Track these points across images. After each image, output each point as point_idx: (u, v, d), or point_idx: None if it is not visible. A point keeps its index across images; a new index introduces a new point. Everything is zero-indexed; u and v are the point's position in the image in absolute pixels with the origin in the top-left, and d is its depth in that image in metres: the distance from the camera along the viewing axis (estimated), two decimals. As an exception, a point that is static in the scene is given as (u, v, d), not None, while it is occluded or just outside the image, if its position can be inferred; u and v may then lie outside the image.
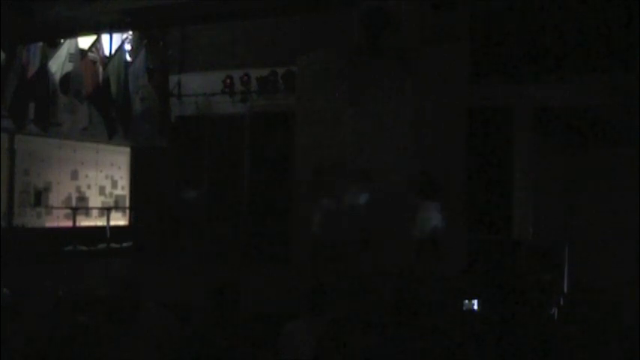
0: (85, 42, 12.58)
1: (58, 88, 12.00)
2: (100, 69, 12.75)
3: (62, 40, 12.03)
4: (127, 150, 14.28)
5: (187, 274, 9.36)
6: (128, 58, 13.46)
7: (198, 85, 13.58)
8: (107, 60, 12.94)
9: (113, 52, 13.26)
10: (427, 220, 8.90)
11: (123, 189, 14.29)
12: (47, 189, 12.63)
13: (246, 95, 12.93)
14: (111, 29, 11.83)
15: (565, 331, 5.72)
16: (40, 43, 11.66)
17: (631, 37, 9.27)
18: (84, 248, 12.08)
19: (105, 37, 13.15)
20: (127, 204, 14.32)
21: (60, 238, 12.00)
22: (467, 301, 6.04)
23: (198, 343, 3.90)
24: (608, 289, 7.33)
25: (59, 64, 12.03)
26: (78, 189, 13.28)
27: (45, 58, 11.80)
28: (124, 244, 12.97)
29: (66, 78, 12.02)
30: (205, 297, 4.29)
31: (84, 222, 13.01)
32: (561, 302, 6.43)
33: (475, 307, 6.04)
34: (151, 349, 3.77)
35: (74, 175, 13.22)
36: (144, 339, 3.81)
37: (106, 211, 13.04)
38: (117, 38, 13.56)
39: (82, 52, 12.42)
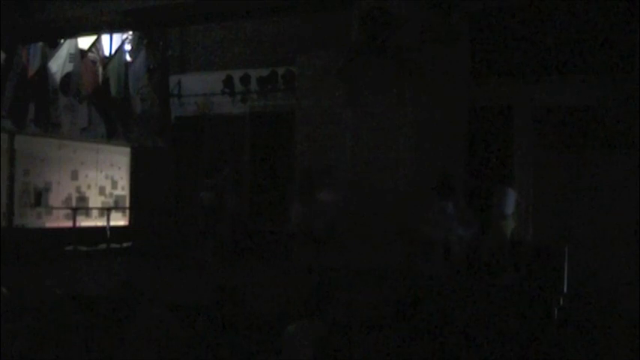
0: (85, 42, 12.59)
1: (58, 88, 12.02)
2: (100, 69, 12.78)
3: (62, 40, 12.04)
4: (127, 150, 14.28)
5: (187, 274, 9.36)
6: (128, 58, 13.47)
7: (198, 85, 13.57)
8: (107, 60, 12.96)
9: (113, 52, 13.28)
10: (439, 220, 8.82)
11: (123, 189, 14.29)
12: (47, 189, 12.63)
13: (246, 95, 12.93)
14: (111, 29, 11.87)
15: (565, 331, 5.72)
16: (40, 43, 11.67)
17: (631, 37, 9.27)
18: (84, 248, 12.07)
19: (105, 37, 13.17)
20: (127, 204, 14.32)
21: (60, 238, 12.00)
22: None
23: (199, 344, 3.90)
24: (608, 289, 7.33)
25: (59, 64, 12.05)
26: (78, 189, 13.28)
27: (45, 58, 11.82)
28: (124, 244, 12.96)
29: (66, 78, 12.04)
30: (206, 298, 4.29)
31: (84, 222, 13.00)
32: (561, 302, 6.43)
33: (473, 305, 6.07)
34: (150, 350, 3.77)
35: (74, 175, 13.22)
36: (143, 339, 3.81)
37: (106, 211, 13.04)
38: (117, 38, 13.58)
39: (82, 52, 12.44)
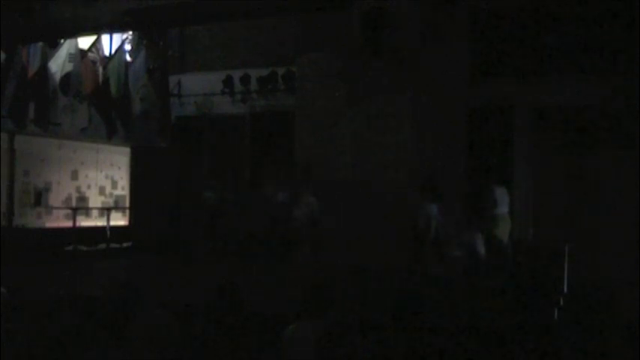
0: (85, 42, 12.59)
1: (58, 88, 12.02)
2: (100, 69, 12.78)
3: (62, 40, 12.05)
4: (127, 150, 14.28)
5: (188, 273, 9.35)
6: (128, 58, 13.47)
7: (198, 85, 13.57)
8: (107, 60, 12.96)
9: (113, 52, 13.28)
10: (429, 220, 8.92)
11: (123, 189, 14.29)
12: (47, 189, 12.63)
13: (246, 95, 12.93)
14: (111, 29, 11.87)
15: (565, 331, 5.72)
16: (40, 43, 11.67)
17: (631, 37, 9.27)
18: (84, 248, 12.07)
19: (105, 37, 13.17)
20: (127, 204, 14.32)
21: (60, 238, 12.00)
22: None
23: (198, 345, 3.90)
24: (608, 289, 7.34)
25: (59, 64, 12.05)
26: (78, 189, 13.28)
27: (45, 58, 11.82)
28: (124, 244, 12.96)
29: (66, 78, 12.04)
30: (205, 298, 4.29)
31: (84, 222, 13.00)
32: (561, 302, 6.43)
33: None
34: (149, 350, 3.77)
35: (74, 175, 13.22)
36: (142, 340, 3.81)
37: (106, 211, 13.04)
38: (117, 38, 13.58)
39: (82, 52, 12.44)
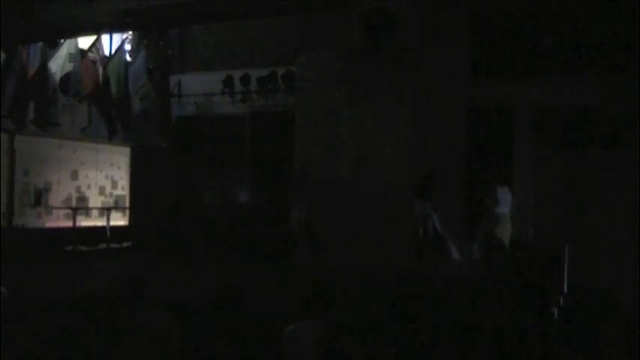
0: (85, 42, 12.59)
1: (58, 88, 12.02)
2: (100, 69, 12.77)
3: (62, 40, 12.05)
4: (127, 150, 14.28)
5: (188, 273, 9.35)
6: (128, 58, 13.47)
7: (198, 85, 13.57)
8: (107, 60, 12.95)
9: (113, 52, 13.28)
10: (428, 219, 8.95)
11: (123, 189, 14.29)
12: (47, 189, 12.63)
13: (246, 95, 12.93)
14: (111, 29, 11.87)
15: (565, 331, 5.72)
16: (40, 43, 11.67)
17: (631, 37, 9.27)
18: (84, 248, 12.07)
19: (105, 37, 13.18)
20: (127, 204, 14.32)
21: (60, 238, 12.00)
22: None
23: (198, 344, 3.91)
24: (608, 289, 7.34)
25: (59, 64, 12.05)
26: (78, 189, 13.29)
27: (45, 58, 11.82)
28: (124, 244, 12.96)
29: (66, 78, 12.03)
30: (205, 297, 4.29)
31: (84, 222, 13.01)
32: (561, 302, 6.43)
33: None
34: (150, 350, 3.77)
35: (74, 175, 13.22)
36: (143, 339, 3.81)
37: (106, 211, 13.04)
38: (117, 38, 13.58)
39: (82, 52, 12.44)
